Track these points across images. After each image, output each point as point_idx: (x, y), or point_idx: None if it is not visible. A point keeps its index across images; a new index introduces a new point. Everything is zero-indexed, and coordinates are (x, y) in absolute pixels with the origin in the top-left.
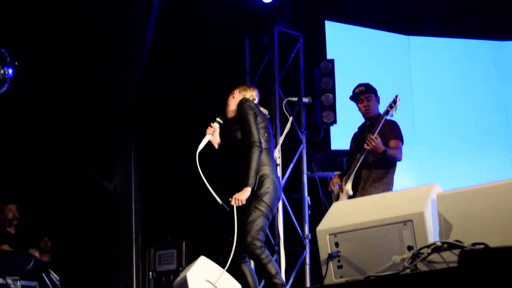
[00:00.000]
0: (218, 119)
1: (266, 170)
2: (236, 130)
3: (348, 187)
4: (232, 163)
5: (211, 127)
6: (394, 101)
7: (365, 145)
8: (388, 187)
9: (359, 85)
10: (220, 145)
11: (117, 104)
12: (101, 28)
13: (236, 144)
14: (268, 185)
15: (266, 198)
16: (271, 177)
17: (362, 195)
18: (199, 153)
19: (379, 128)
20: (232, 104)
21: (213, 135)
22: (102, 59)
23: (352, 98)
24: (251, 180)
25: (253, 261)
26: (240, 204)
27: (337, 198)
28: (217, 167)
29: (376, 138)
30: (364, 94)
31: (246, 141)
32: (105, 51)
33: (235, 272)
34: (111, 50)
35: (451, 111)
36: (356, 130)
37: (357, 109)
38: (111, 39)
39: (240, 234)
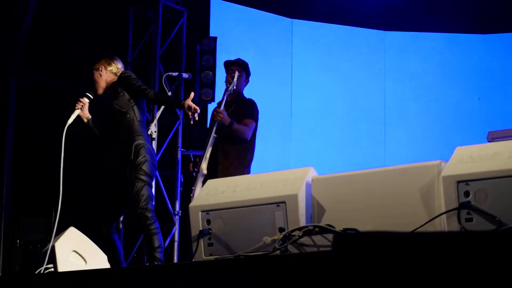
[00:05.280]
0: (87, 93)
1: (141, 139)
2: (114, 101)
3: (203, 166)
4: (112, 134)
5: (80, 101)
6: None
7: (214, 118)
8: (248, 164)
9: (239, 59)
10: (95, 120)
11: None
12: None
13: (115, 115)
14: (144, 154)
15: (145, 167)
16: (146, 146)
17: (224, 175)
18: (68, 127)
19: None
20: (102, 81)
21: (82, 109)
22: None
23: (225, 64)
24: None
25: (142, 230)
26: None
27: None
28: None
29: (223, 110)
30: (237, 66)
31: (142, 95)
32: None
33: (101, 241)
34: None
35: (330, 96)
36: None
37: None
38: None
39: (120, 205)
